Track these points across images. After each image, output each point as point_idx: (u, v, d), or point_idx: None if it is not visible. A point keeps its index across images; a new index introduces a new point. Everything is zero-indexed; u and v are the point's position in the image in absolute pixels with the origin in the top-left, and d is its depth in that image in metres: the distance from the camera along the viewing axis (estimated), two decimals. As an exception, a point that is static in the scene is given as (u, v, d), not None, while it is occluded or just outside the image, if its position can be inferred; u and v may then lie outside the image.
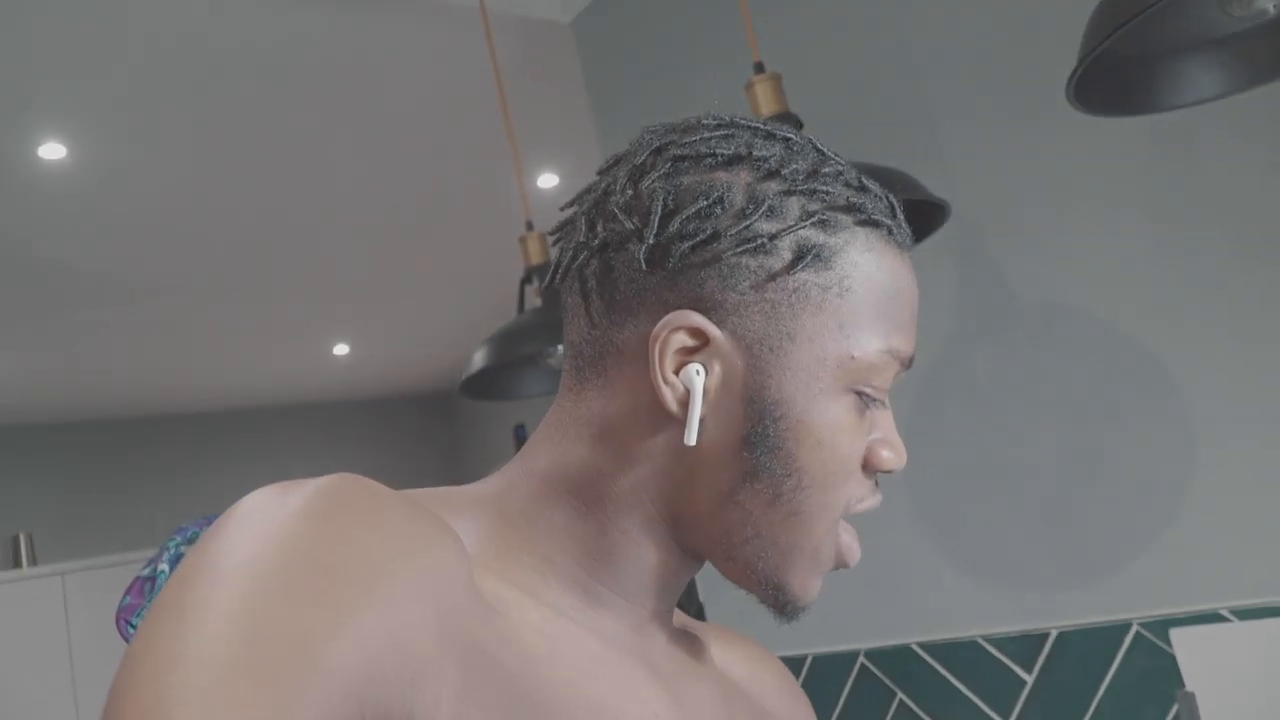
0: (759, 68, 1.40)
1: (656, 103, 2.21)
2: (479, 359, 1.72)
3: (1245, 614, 1.30)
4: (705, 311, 0.51)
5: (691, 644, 0.61)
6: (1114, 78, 1.02)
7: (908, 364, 0.55)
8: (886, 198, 0.55)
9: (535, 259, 1.75)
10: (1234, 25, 1.00)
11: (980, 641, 1.59)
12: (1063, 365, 1.52)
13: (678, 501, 0.53)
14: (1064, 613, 1.50)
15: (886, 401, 0.55)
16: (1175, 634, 1.36)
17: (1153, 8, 0.83)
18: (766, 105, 1.38)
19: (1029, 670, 1.53)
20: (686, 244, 0.51)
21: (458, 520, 0.51)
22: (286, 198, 3.33)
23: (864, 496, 0.55)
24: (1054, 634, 1.50)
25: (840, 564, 0.55)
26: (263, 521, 0.40)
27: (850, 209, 0.53)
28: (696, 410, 0.51)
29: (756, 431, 0.51)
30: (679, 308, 0.52)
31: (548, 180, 3.52)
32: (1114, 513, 1.46)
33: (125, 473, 5.45)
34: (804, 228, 0.51)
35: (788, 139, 0.54)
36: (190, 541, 1.29)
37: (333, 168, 3.18)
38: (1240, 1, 0.93)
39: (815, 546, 0.53)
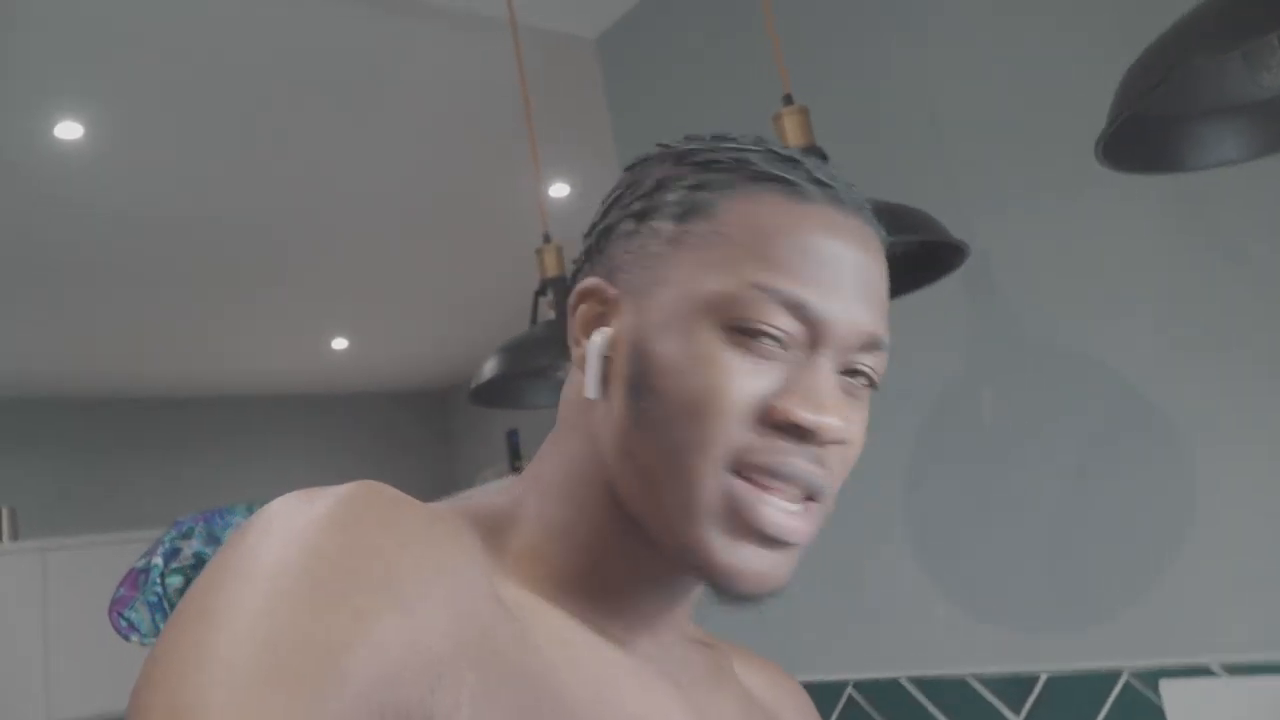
0: (788, 100, 1.41)
1: (677, 124, 2.23)
2: (490, 368, 1.73)
3: (1236, 669, 1.31)
4: (608, 276, 0.55)
5: (712, 657, 0.62)
6: (1141, 137, 1.04)
7: (799, 308, 0.50)
8: (801, 162, 0.54)
9: (551, 271, 1.76)
10: (1261, 93, 1.02)
11: (970, 681, 1.60)
12: (1067, 410, 1.54)
13: (614, 472, 0.54)
14: (1055, 656, 1.51)
15: (825, 365, 0.51)
16: (1165, 685, 1.37)
17: (1184, 69, 0.85)
18: (794, 137, 1.39)
19: (1017, 712, 1.54)
20: (604, 223, 0.57)
21: (475, 529, 0.53)
22: (299, 191, 3.34)
23: (760, 449, 0.50)
24: (1044, 677, 1.51)
25: (748, 520, 0.50)
26: (286, 527, 0.41)
27: (740, 166, 0.54)
28: (591, 362, 0.54)
29: (634, 374, 0.52)
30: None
31: (559, 190, 3.54)
32: (1110, 559, 1.47)
33: (115, 454, 5.42)
34: (690, 189, 0.54)
35: (728, 136, 0.57)
36: (185, 536, 1.28)
37: (346, 164, 3.19)
38: (1271, 72, 0.95)
39: (701, 494, 0.50)
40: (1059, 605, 1.53)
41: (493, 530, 0.54)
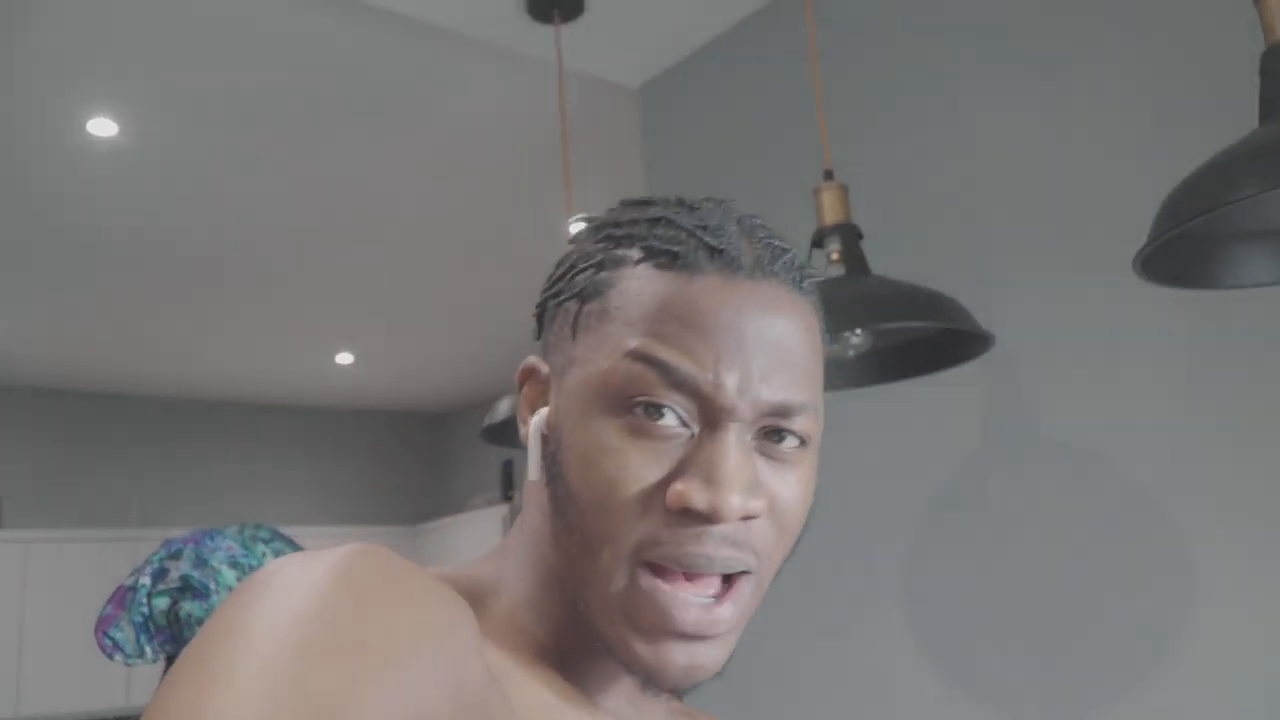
0: (829, 175, 1.43)
1: (709, 180, 2.25)
2: (504, 408, 1.74)
3: (1229, 784, 1.31)
4: (545, 355, 0.56)
5: None
6: (1177, 254, 1.06)
7: (683, 381, 0.49)
8: (694, 233, 0.52)
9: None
10: (1299, 220, 1.04)
11: (959, 766, 1.59)
12: (1076, 505, 1.55)
13: (552, 558, 0.54)
14: (1047, 751, 1.51)
15: (727, 438, 0.49)
16: (1156, 791, 1.37)
17: (1235, 200, 0.87)
18: (830, 213, 1.41)
19: (1004, 802, 1.53)
20: (540, 301, 0.58)
21: (464, 596, 0.54)
22: (323, 204, 3.36)
23: (665, 540, 0.48)
24: (1035, 771, 1.51)
25: (659, 622, 0.49)
26: (286, 588, 0.41)
27: (634, 242, 0.53)
28: (531, 444, 0.54)
29: (551, 463, 0.53)
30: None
31: (579, 227, 3.57)
32: (1108, 657, 1.48)
33: (107, 448, 5.41)
34: (595, 269, 0.54)
35: (651, 203, 0.56)
36: (174, 557, 1.27)
37: (373, 184, 3.21)
38: (1312, 204, 0.97)
39: (614, 592, 0.49)
40: (1052, 695, 1.53)
41: (477, 598, 0.55)
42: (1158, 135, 1.53)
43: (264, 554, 1.31)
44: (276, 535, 1.36)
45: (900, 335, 1.42)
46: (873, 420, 1.84)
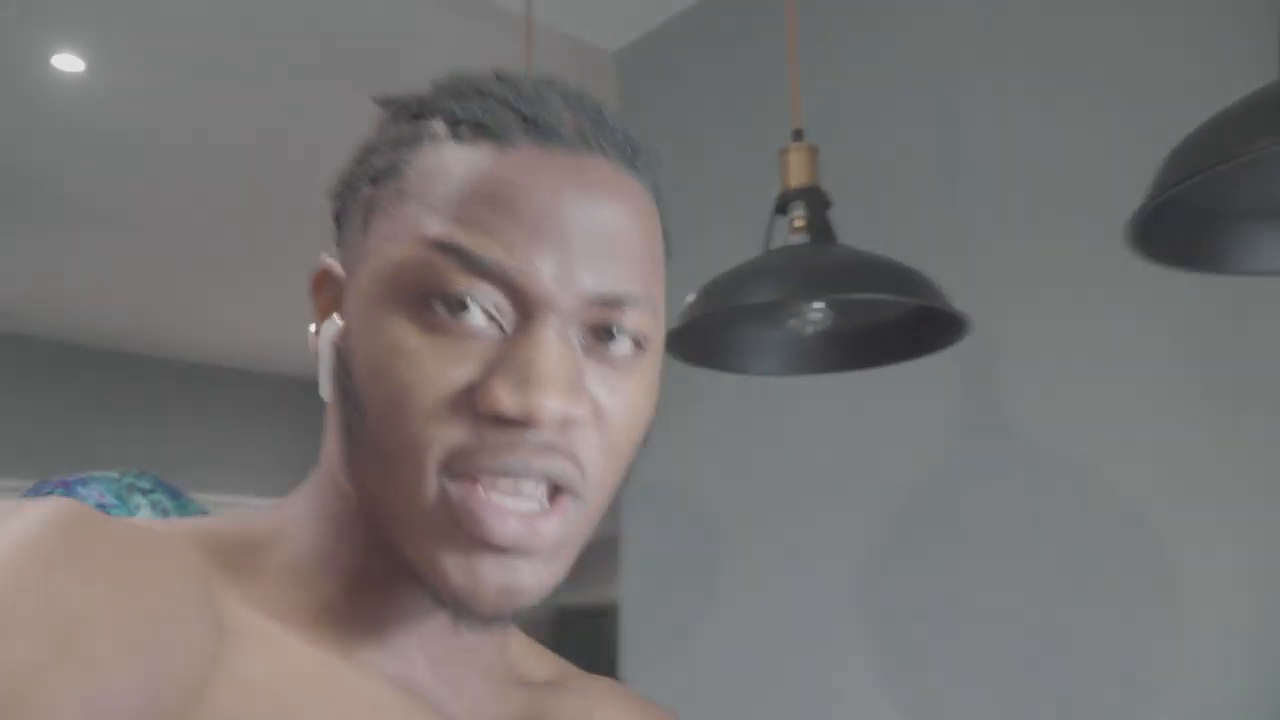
0: (797, 135, 1.31)
1: (684, 148, 2.13)
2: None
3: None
4: (340, 255, 0.50)
5: (537, 702, 0.54)
6: (1181, 227, 0.92)
7: (489, 269, 0.42)
8: (508, 100, 0.46)
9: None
10: (1324, 199, 0.90)
11: (904, 797, 1.46)
12: (1054, 516, 1.43)
13: (347, 485, 0.48)
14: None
15: (546, 334, 0.43)
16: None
17: (1242, 159, 0.73)
18: (796, 176, 1.28)
19: (950, 840, 1.40)
20: (336, 196, 0.51)
21: (214, 554, 0.47)
22: (291, 159, 3.26)
23: (475, 447, 0.42)
24: (987, 808, 1.38)
25: (473, 532, 0.42)
26: None
27: (436, 114, 0.47)
28: (322, 357, 0.48)
29: (338, 375, 0.47)
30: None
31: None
32: (1081, 680, 1.37)
33: (54, 399, 5.25)
34: (391, 147, 0.48)
35: (463, 78, 0.49)
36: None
37: (345, 143, 3.10)
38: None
39: (420, 508, 0.43)
40: (1013, 729, 1.40)
41: (248, 553, 0.48)
42: (1160, 103, 1.39)
43: (139, 506, 1.22)
44: (159, 485, 1.26)
45: (866, 316, 1.28)
46: (831, 413, 1.71)
